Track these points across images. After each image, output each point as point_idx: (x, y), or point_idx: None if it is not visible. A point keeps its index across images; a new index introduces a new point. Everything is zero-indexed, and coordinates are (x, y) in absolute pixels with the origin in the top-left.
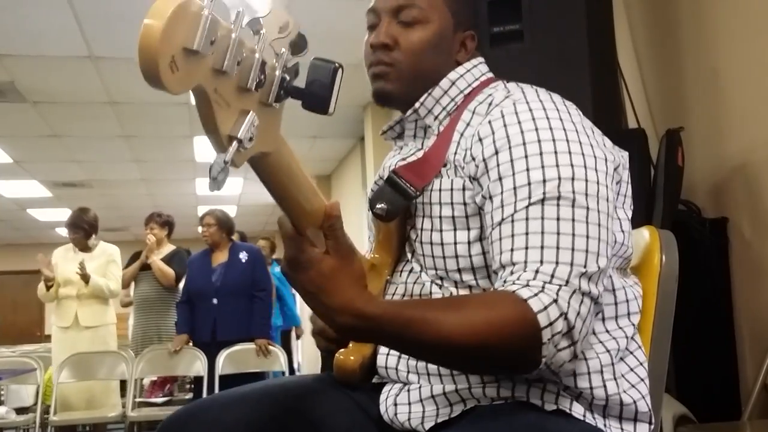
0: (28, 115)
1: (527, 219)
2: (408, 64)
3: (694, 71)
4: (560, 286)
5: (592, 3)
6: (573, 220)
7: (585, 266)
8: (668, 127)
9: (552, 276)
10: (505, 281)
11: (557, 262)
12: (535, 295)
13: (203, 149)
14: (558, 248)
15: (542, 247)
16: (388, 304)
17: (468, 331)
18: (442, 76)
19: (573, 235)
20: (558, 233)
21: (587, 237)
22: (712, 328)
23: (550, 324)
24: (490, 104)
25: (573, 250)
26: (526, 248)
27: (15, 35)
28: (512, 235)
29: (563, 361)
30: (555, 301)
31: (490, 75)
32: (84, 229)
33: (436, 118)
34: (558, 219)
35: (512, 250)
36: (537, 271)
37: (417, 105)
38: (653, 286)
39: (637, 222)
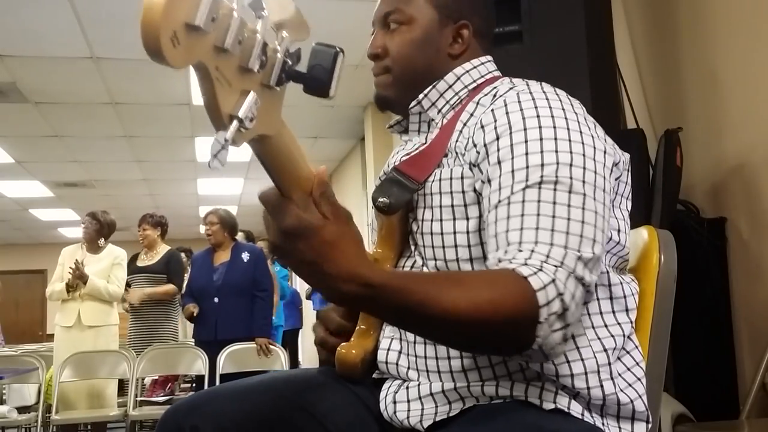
0: (30, 116)
1: (523, 201)
2: (398, 68)
3: (692, 72)
4: (557, 267)
5: (591, 4)
6: (569, 205)
7: (579, 250)
8: (667, 127)
9: (547, 256)
10: (499, 260)
11: (552, 244)
12: (535, 273)
13: (204, 149)
14: (553, 230)
15: (537, 229)
16: (392, 274)
17: (470, 306)
18: (439, 71)
19: (568, 219)
20: (553, 216)
21: (582, 222)
22: (710, 328)
23: (548, 303)
24: (494, 96)
25: (567, 233)
26: (521, 229)
27: (17, 36)
28: (508, 217)
29: (555, 343)
30: (553, 281)
31: (498, 73)
32: (99, 221)
33: (439, 111)
34: (554, 203)
35: (507, 231)
36: (533, 251)
37: (421, 96)
38: (652, 286)
39: (635, 222)
